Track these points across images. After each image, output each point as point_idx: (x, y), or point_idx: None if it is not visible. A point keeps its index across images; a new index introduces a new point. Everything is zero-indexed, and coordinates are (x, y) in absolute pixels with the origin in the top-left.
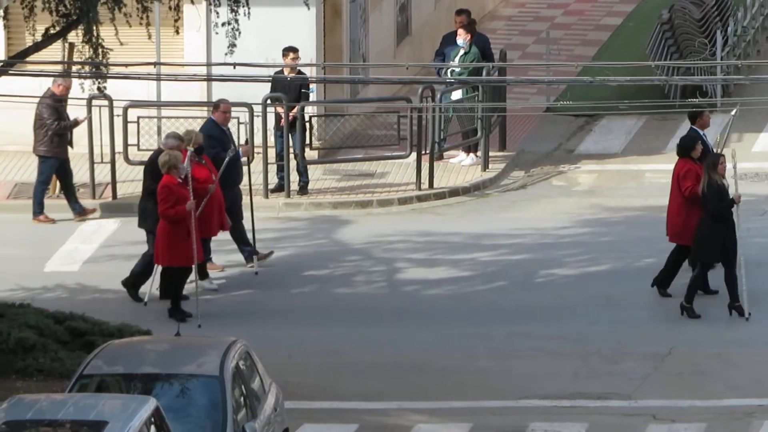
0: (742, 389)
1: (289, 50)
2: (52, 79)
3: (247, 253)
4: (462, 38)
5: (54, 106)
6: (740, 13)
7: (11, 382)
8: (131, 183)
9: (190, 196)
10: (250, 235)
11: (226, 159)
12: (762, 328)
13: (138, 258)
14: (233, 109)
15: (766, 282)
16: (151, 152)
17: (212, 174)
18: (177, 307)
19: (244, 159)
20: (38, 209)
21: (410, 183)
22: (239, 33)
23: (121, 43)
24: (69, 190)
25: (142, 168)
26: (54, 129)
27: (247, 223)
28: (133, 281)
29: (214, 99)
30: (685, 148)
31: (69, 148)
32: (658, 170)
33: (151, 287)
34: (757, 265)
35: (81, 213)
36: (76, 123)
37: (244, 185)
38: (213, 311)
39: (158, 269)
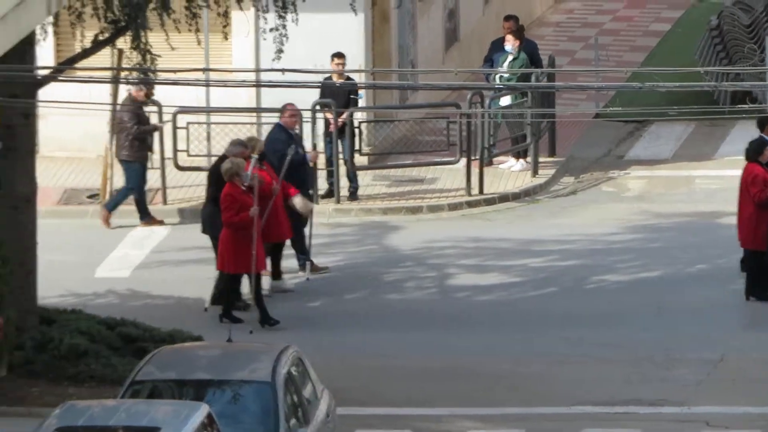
0: None
1: (335, 56)
2: (106, 85)
3: (302, 261)
4: (510, 44)
5: (134, 111)
6: None
7: (63, 389)
8: (181, 189)
9: (253, 203)
10: (307, 242)
11: (287, 158)
12: None
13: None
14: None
15: None
16: (205, 158)
17: (273, 180)
18: (229, 311)
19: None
20: (145, 213)
21: (460, 189)
22: (287, 39)
23: (173, 48)
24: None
25: (191, 174)
26: (134, 133)
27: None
28: (218, 293)
29: (263, 105)
30: (753, 153)
31: (150, 153)
32: (708, 176)
33: (212, 293)
34: None
35: (148, 221)
36: (155, 128)
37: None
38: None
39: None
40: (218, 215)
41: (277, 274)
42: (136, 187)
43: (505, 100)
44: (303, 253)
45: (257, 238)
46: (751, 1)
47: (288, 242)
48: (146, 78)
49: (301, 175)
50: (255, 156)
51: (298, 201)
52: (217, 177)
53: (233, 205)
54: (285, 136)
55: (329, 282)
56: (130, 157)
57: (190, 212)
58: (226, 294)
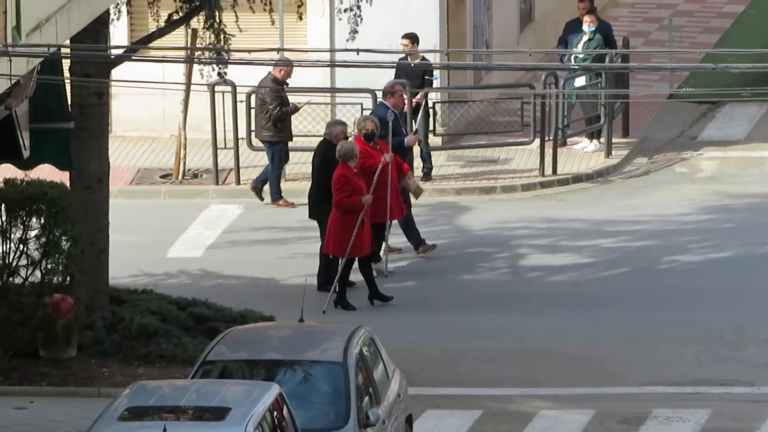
0: None
1: (404, 37)
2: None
3: (415, 242)
4: (589, 24)
5: (276, 91)
6: None
7: (134, 369)
8: (254, 168)
9: (364, 186)
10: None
11: (389, 123)
12: None
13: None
14: (357, 95)
15: None
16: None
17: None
18: (343, 297)
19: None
20: (277, 194)
21: (533, 169)
22: (361, 19)
23: (241, 30)
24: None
25: (264, 154)
26: (275, 114)
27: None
28: (323, 279)
29: (338, 85)
30: None
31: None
32: None
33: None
34: None
35: (277, 200)
36: (296, 108)
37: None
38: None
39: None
40: (323, 200)
41: (375, 255)
42: (280, 167)
43: (580, 81)
44: (412, 235)
45: (367, 220)
46: None
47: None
48: (220, 58)
49: (401, 158)
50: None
51: (411, 182)
52: (320, 160)
53: (346, 188)
54: (391, 114)
55: (402, 262)
56: (273, 137)
57: (263, 192)
58: (340, 280)
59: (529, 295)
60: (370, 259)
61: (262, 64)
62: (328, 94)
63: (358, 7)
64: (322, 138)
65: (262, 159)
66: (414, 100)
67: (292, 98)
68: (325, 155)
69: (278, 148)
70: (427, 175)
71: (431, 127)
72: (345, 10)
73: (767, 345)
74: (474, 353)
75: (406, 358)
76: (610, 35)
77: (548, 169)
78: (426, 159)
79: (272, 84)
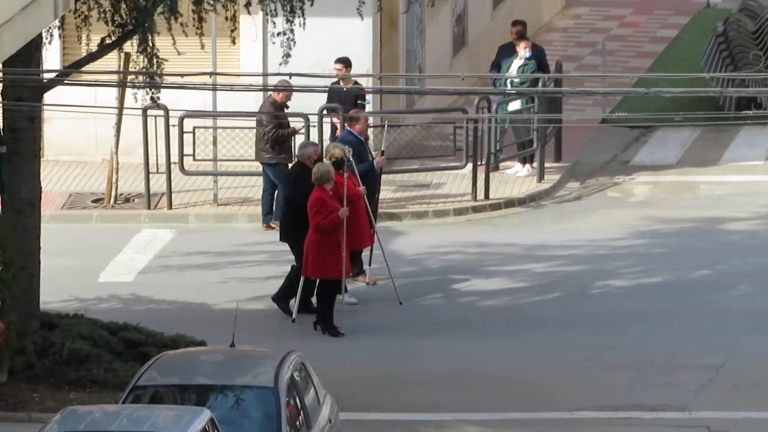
0: None
1: (336, 61)
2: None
3: (357, 270)
4: (524, 49)
5: (274, 114)
6: None
7: (64, 394)
8: (186, 193)
9: (342, 206)
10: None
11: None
12: None
13: (195, 269)
14: (289, 120)
15: None
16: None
17: (357, 186)
18: (330, 321)
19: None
20: (268, 217)
21: (466, 194)
22: (294, 43)
23: (179, 53)
24: (268, 200)
25: (196, 178)
26: (272, 136)
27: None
28: (283, 293)
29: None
30: None
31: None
32: (713, 182)
33: (297, 302)
34: None
35: (268, 224)
36: (295, 131)
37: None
38: (265, 321)
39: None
40: (296, 222)
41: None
42: (267, 189)
43: (515, 105)
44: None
45: (344, 243)
46: (757, 8)
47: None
48: (153, 82)
49: (370, 182)
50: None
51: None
52: (293, 182)
53: (323, 210)
54: (356, 143)
55: None
56: (272, 159)
57: (195, 217)
58: (325, 302)
59: (461, 320)
60: (335, 285)
61: (195, 88)
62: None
63: (291, 31)
64: (295, 160)
65: (194, 183)
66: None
67: (221, 122)
68: (298, 177)
69: (278, 170)
70: None
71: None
72: (278, 34)
73: (699, 370)
74: (406, 378)
75: (337, 382)
76: (544, 60)
77: (481, 194)
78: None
79: (271, 107)
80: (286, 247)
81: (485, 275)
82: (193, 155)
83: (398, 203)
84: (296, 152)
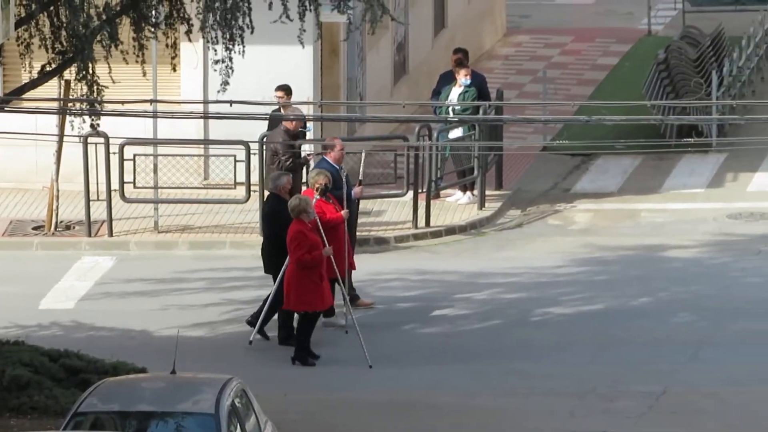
0: (737, 428)
1: (277, 89)
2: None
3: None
4: (465, 77)
5: (289, 144)
6: (735, 53)
7: (5, 420)
8: (127, 221)
9: (322, 240)
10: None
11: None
12: (756, 367)
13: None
14: (230, 147)
15: (758, 321)
16: (151, 190)
17: (338, 210)
18: (307, 350)
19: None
20: None
21: (407, 221)
22: (233, 71)
23: (114, 81)
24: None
25: (137, 206)
26: (287, 165)
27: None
28: (286, 333)
29: (211, 137)
30: None
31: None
32: (654, 209)
33: (256, 329)
34: (747, 302)
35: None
36: (306, 160)
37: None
38: (205, 348)
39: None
40: (278, 254)
41: (331, 310)
42: None
43: (456, 133)
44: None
45: (325, 273)
46: (698, 35)
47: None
48: (93, 109)
49: (350, 211)
50: (316, 194)
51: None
52: (270, 213)
53: (304, 243)
54: (332, 170)
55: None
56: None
57: (136, 244)
58: (303, 333)
59: (401, 348)
60: (316, 317)
61: (136, 116)
62: (202, 146)
63: (230, 59)
64: (269, 192)
65: (135, 210)
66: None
67: (162, 149)
68: (274, 208)
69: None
70: None
71: (304, 179)
72: (217, 62)
73: (640, 397)
74: (346, 405)
75: (279, 409)
76: (484, 87)
77: (421, 221)
78: None
79: (285, 135)
80: (226, 273)
81: (426, 302)
82: (134, 182)
83: None
84: (269, 184)
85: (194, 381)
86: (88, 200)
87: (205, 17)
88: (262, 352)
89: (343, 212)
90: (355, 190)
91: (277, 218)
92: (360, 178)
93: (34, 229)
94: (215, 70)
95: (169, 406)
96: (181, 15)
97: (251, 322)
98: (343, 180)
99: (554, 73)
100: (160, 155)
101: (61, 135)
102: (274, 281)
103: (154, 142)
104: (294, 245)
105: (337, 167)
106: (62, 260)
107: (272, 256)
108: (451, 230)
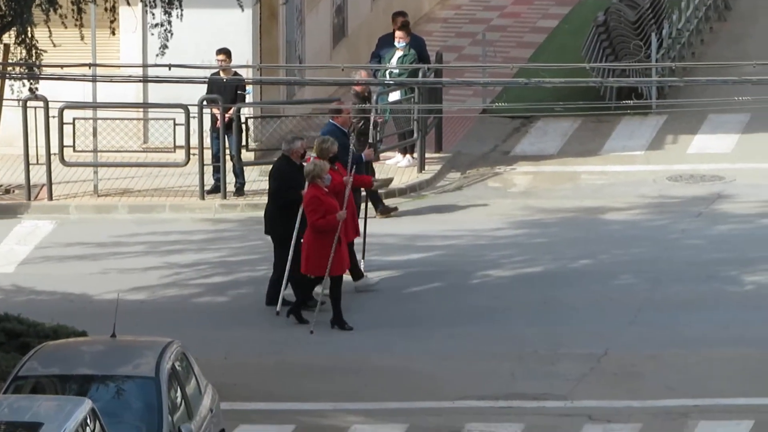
0: (678, 390)
1: (218, 52)
2: None
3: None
4: (402, 40)
5: (360, 106)
6: (675, 15)
7: None
8: (66, 184)
9: (339, 205)
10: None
11: (351, 149)
12: (696, 330)
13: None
14: (169, 110)
15: (698, 284)
16: (91, 153)
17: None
18: (299, 309)
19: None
20: (380, 206)
21: None
22: (172, 35)
23: (54, 45)
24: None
25: (77, 169)
26: (360, 128)
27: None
28: (298, 301)
29: (150, 100)
30: None
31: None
32: (594, 171)
33: (282, 294)
34: (687, 264)
35: (384, 211)
36: (376, 123)
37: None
38: (145, 312)
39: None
40: (280, 216)
41: (358, 273)
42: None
43: (395, 96)
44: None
45: (343, 238)
46: None
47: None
48: (32, 73)
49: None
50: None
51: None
52: (278, 176)
53: (319, 208)
54: (341, 133)
55: (212, 276)
56: (360, 151)
57: (75, 208)
58: (299, 292)
59: (343, 311)
60: (340, 281)
61: (75, 80)
62: (141, 110)
63: (169, 23)
64: (280, 154)
65: (75, 174)
66: (226, 116)
67: (101, 113)
68: (283, 171)
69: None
70: (239, 191)
71: (244, 143)
72: (156, 26)
73: (581, 359)
74: (287, 368)
75: (219, 372)
76: (424, 50)
77: None
78: (238, 174)
79: (355, 99)
80: (166, 237)
81: (366, 266)
82: (74, 146)
83: None
84: (283, 146)
85: (134, 344)
86: (27, 164)
87: None
88: (204, 315)
89: (345, 178)
90: (366, 152)
91: (280, 176)
92: (370, 140)
93: None
94: (153, 34)
95: (109, 369)
96: None
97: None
98: (351, 145)
99: (493, 36)
100: (99, 119)
101: (0, 99)
102: (273, 243)
103: (94, 105)
104: (309, 210)
105: (345, 130)
106: (1, 224)
107: (275, 217)
108: (390, 193)
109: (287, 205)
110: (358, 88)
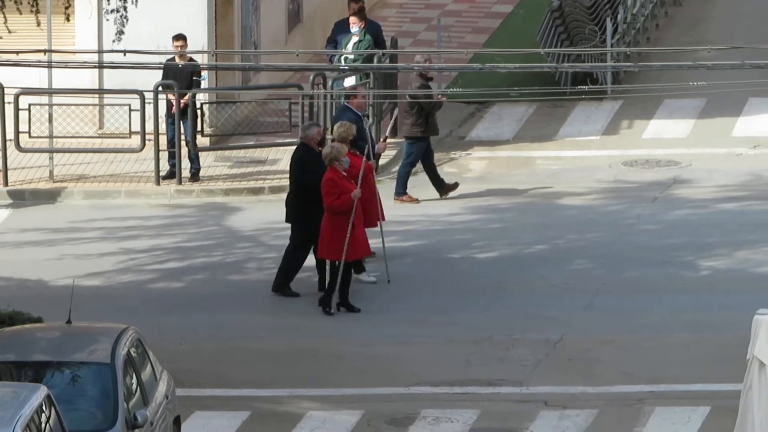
0: (633, 376)
1: (175, 38)
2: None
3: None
4: (357, 26)
5: (426, 85)
6: (630, 0)
7: None
8: (22, 170)
9: (354, 187)
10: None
11: (367, 128)
12: (652, 315)
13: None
14: (124, 96)
15: (655, 269)
16: (47, 139)
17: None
18: (346, 297)
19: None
20: (402, 190)
21: None
22: (127, 20)
23: (9, 31)
24: (432, 171)
25: (32, 155)
26: (427, 108)
27: None
28: (283, 280)
29: (106, 86)
30: None
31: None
32: (549, 157)
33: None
34: (643, 249)
35: (401, 195)
36: (440, 104)
37: None
38: (101, 298)
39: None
40: (302, 204)
41: (361, 266)
42: (413, 162)
43: (350, 81)
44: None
45: (358, 222)
46: None
47: None
48: None
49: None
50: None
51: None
52: (297, 163)
53: (334, 190)
54: (355, 116)
55: (168, 262)
56: (425, 133)
57: (31, 194)
58: (335, 282)
59: (299, 296)
60: (350, 266)
61: (30, 66)
62: (96, 96)
63: (125, 9)
64: (299, 141)
65: (30, 160)
66: (182, 101)
67: (57, 100)
68: (302, 158)
69: (420, 145)
70: (194, 176)
71: (199, 128)
72: (111, 11)
73: (536, 345)
74: (242, 354)
75: (174, 358)
76: (380, 36)
77: None
78: (194, 159)
79: (420, 80)
80: (122, 223)
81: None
82: (29, 132)
83: (234, 179)
84: (300, 133)
85: (90, 330)
86: None
87: None
88: (160, 301)
89: (370, 162)
90: (379, 145)
91: (302, 167)
92: (386, 134)
93: None
94: (108, 20)
95: (64, 355)
96: None
97: (279, 284)
98: (367, 129)
99: (449, 21)
100: (55, 105)
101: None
102: (293, 230)
103: (49, 91)
104: (324, 192)
105: (360, 114)
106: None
107: (296, 206)
108: None
109: (309, 190)
110: (422, 70)
